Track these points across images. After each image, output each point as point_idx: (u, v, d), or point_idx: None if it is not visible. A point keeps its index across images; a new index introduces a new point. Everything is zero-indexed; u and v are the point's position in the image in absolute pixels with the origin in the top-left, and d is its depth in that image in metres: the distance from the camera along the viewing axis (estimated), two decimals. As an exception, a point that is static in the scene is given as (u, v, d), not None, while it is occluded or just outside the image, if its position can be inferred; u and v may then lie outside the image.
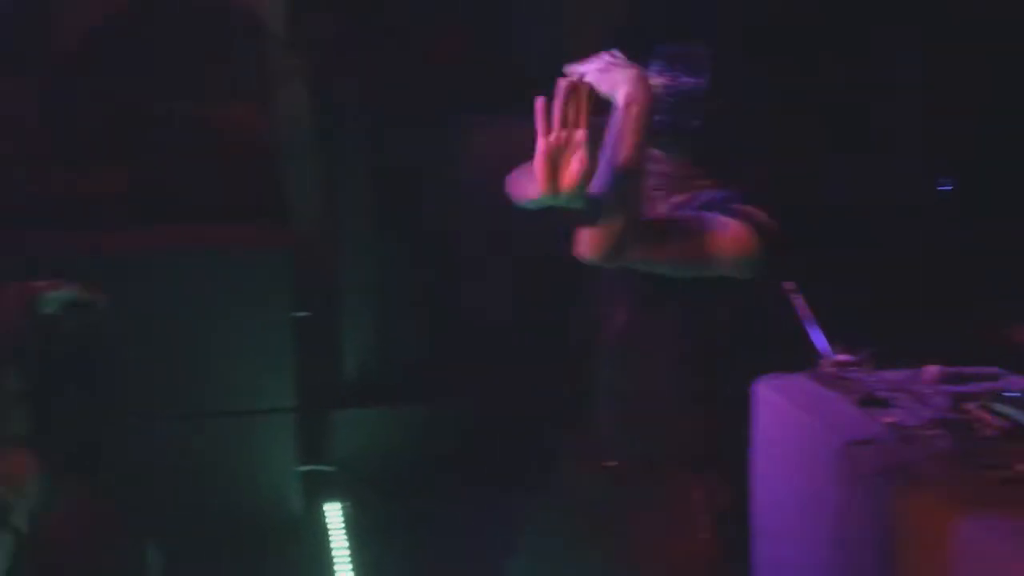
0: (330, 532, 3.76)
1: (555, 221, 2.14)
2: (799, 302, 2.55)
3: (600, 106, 1.87)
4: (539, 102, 1.81)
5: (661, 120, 1.98)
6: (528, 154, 1.87)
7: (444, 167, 4.01)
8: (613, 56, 1.92)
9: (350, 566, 3.59)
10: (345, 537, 3.74)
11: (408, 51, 3.99)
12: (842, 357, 2.59)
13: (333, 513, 3.87)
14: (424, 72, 3.95)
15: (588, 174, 1.81)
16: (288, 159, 4.05)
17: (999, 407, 2.32)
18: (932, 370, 2.57)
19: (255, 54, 4.02)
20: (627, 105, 1.86)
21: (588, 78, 1.86)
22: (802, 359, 2.60)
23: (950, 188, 4.12)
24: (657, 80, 2.00)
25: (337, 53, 4.01)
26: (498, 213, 2.54)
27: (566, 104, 1.81)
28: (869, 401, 2.43)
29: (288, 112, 4.04)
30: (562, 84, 1.83)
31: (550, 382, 2.32)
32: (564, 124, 1.80)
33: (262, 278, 3.66)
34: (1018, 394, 2.37)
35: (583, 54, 1.94)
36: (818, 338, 2.59)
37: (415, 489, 3.90)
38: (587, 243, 1.92)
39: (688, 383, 2.11)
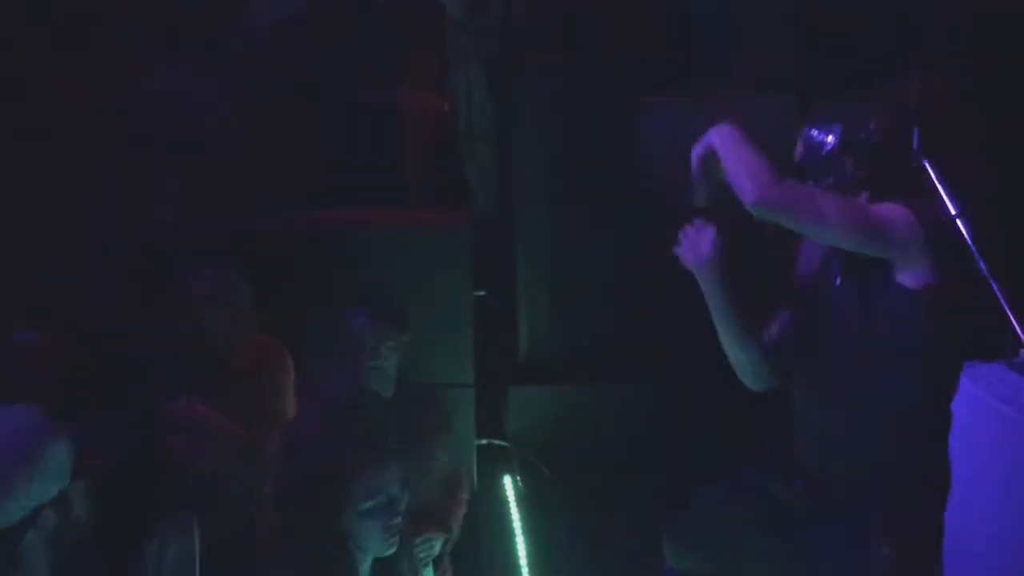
0: (505, 504, 3.87)
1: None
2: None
3: None
4: None
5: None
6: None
7: (622, 149, 4.02)
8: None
9: (523, 537, 3.69)
10: (517, 509, 3.84)
11: (587, 35, 4.02)
12: (1042, 346, 2.50)
13: (508, 486, 3.99)
14: (603, 55, 3.97)
15: None
16: (468, 143, 4.15)
17: None
18: None
19: (437, 40, 4.13)
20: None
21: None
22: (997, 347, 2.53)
23: None
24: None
25: (516, 38, 4.07)
26: (676, 195, 2.56)
27: None
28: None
29: (468, 96, 4.14)
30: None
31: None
32: None
33: (443, 258, 3.77)
34: None
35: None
36: (1017, 325, 2.51)
37: (585, 466, 3.96)
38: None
39: (886, 408, 2.12)
